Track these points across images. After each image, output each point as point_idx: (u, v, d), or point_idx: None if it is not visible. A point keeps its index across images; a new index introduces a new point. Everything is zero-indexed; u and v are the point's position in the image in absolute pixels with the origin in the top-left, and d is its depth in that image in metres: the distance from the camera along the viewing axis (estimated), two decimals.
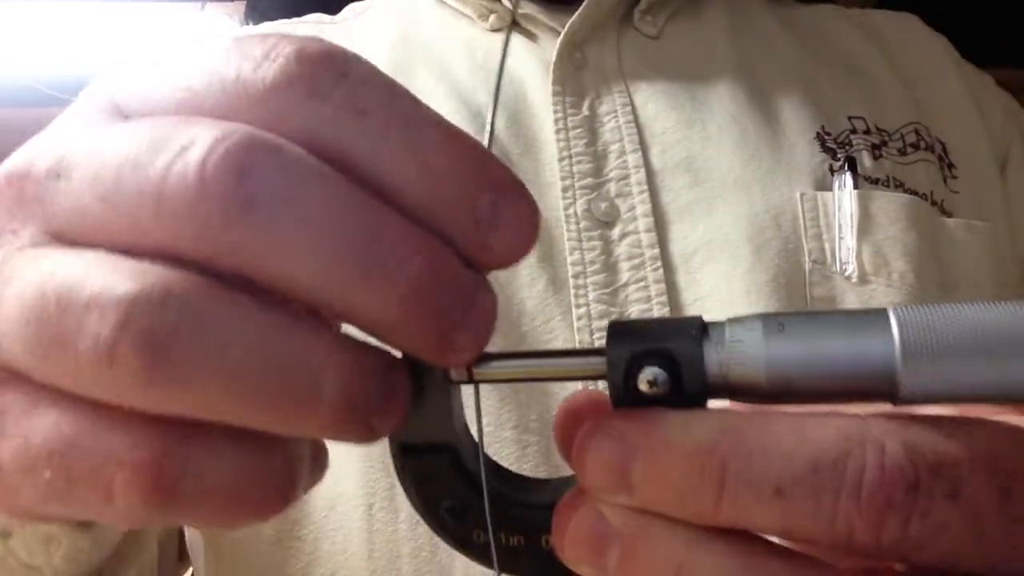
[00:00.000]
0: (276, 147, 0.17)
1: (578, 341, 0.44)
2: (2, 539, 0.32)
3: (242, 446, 0.18)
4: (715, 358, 0.19)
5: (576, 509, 0.20)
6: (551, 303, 0.45)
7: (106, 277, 0.17)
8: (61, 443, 0.18)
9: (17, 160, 0.19)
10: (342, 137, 0.18)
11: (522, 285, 0.45)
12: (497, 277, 0.46)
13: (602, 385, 0.20)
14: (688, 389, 0.19)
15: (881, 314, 0.19)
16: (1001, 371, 0.18)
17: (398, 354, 0.19)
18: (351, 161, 0.18)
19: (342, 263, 0.17)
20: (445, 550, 0.41)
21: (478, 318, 0.19)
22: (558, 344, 0.44)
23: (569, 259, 0.46)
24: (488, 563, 0.22)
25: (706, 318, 0.20)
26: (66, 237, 0.18)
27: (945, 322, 0.18)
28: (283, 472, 0.19)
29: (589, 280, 0.45)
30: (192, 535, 0.51)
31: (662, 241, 0.47)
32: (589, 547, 0.19)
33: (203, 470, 0.17)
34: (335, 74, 0.18)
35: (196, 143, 0.17)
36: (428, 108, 0.19)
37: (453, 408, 0.21)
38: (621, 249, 0.46)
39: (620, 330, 0.20)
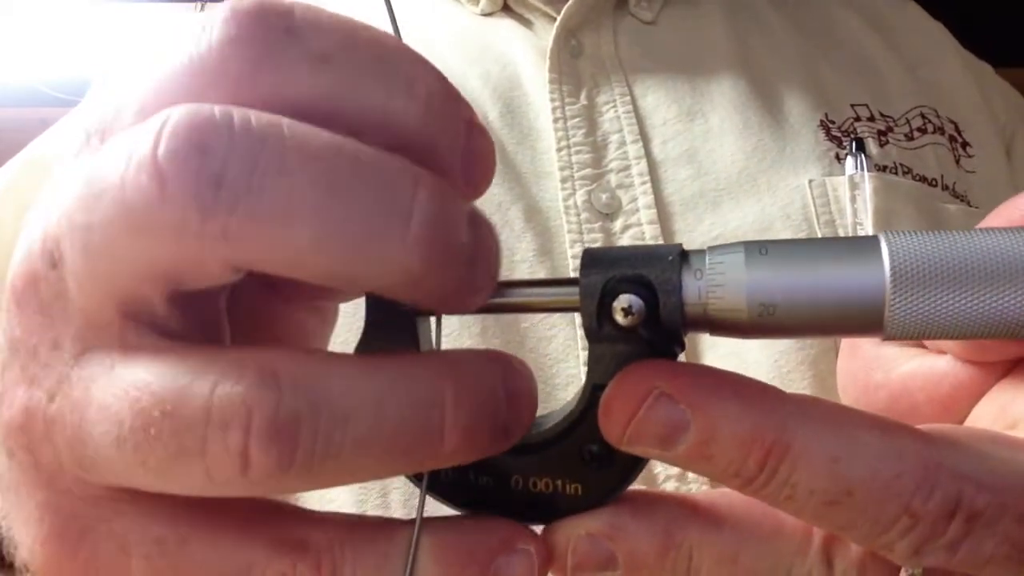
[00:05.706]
0: (226, 112, 0.15)
1: (579, 337, 0.43)
2: None
3: None
4: (694, 285, 0.18)
5: (644, 394, 0.18)
6: None
7: (205, 380, 0.15)
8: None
9: (18, 257, 0.18)
10: (313, 90, 0.16)
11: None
12: None
13: (579, 319, 0.19)
14: (665, 318, 0.18)
15: (873, 240, 0.18)
16: (998, 301, 0.17)
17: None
18: (328, 111, 0.17)
19: (348, 220, 0.15)
20: None
21: (488, 250, 0.18)
22: (559, 342, 0.42)
23: (570, 252, 0.45)
24: (452, 503, 0.21)
25: None
26: (93, 330, 0.17)
27: (941, 249, 0.17)
28: None
29: None
30: None
31: (666, 234, 0.46)
32: (658, 435, 0.18)
33: None
34: (280, 29, 0.16)
35: (140, 140, 0.15)
36: (388, 35, 0.18)
37: (420, 343, 0.20)
38: (623, 242, 0.45)
39: (594, 257, 0.19)
